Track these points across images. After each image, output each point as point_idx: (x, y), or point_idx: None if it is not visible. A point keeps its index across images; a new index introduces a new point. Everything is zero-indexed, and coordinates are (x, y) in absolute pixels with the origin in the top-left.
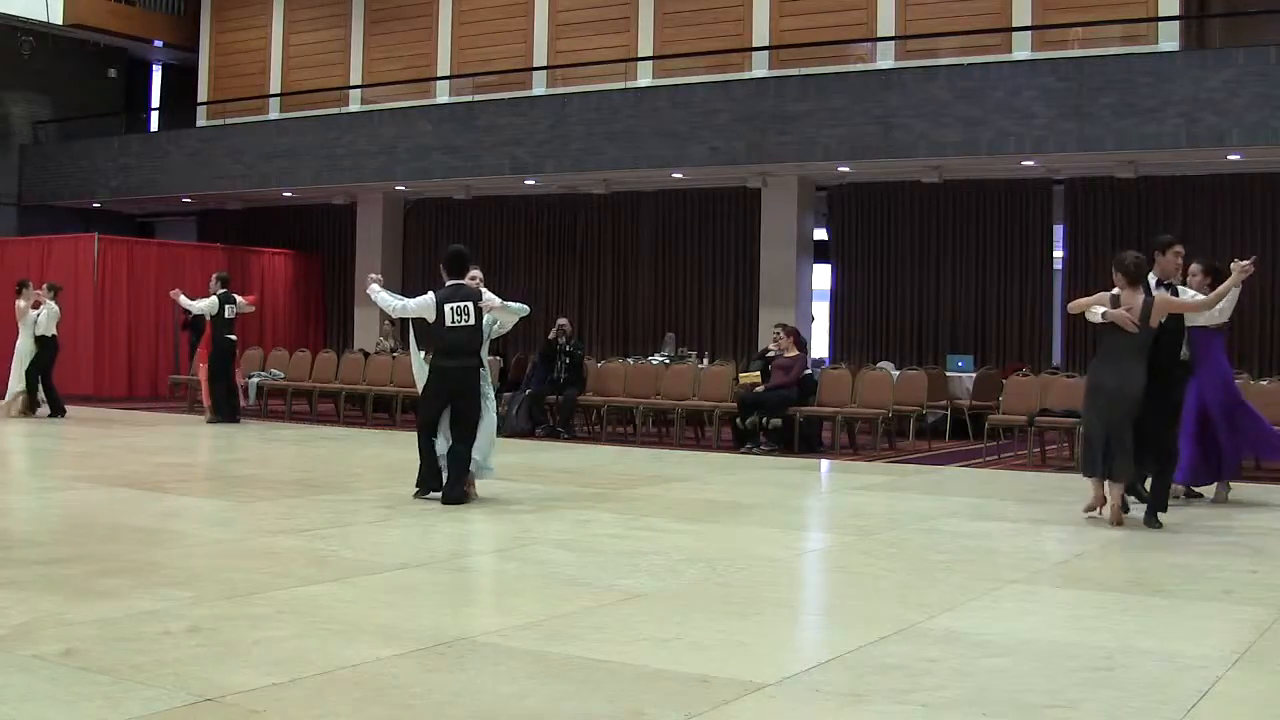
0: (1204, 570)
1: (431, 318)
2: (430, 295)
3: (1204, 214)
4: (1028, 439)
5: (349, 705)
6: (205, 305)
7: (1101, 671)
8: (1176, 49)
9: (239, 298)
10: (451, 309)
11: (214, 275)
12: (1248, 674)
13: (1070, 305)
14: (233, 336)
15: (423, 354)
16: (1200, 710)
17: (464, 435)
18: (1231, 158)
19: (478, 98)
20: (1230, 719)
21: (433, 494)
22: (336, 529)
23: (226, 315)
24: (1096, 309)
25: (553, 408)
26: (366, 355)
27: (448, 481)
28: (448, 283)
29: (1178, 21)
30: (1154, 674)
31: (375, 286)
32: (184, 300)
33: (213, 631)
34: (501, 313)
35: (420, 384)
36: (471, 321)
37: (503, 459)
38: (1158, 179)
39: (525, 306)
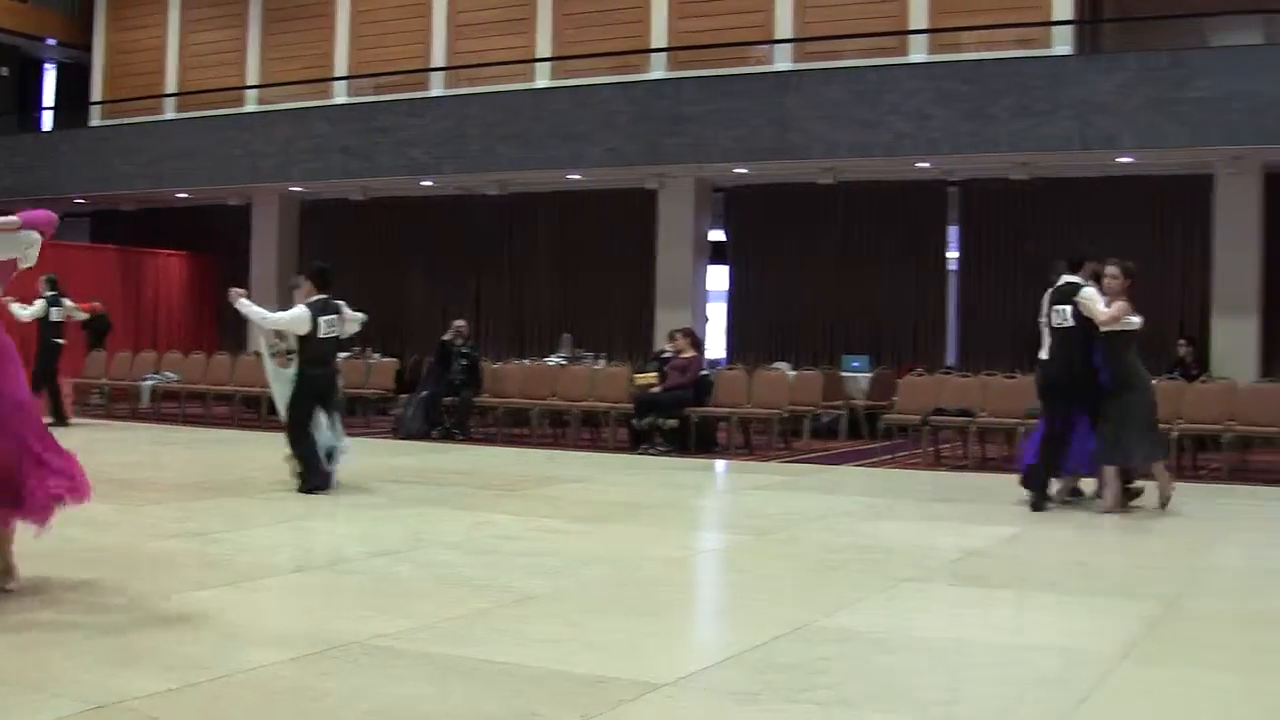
0: (1095, 566)
1: (305, 330)
2: (305, 309)
3: (1096, 215)
4: (922, 438)
5: (245, 710)
6: (33, 311)
7: (995, 667)
8: (1070, 53)
9: (67, 300)
10: (324, 321)
11: (42, 277)
12: (1138, 667)
13: (1108, 318)
14: (60, 340)
15: (275, 360)
16: (1092, 703)
17: (336, 427)
18: (1123, 160)
19: (375, 98)
20: (1121, 712)
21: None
22: (231, 532)
23: (53, 318)
24: (1134, 319)
25: (449, 409)
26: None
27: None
28: (315, 296)
29: (1071, 26)
30: (1047, 669)
31: (243, 300)
32: (15, 307)
33: (106, 638)
34: (352, 323)
35: (278, 391)
36: (337, 332)
37: (399, 461)
38: (1051, 180)
39: (364, 315)
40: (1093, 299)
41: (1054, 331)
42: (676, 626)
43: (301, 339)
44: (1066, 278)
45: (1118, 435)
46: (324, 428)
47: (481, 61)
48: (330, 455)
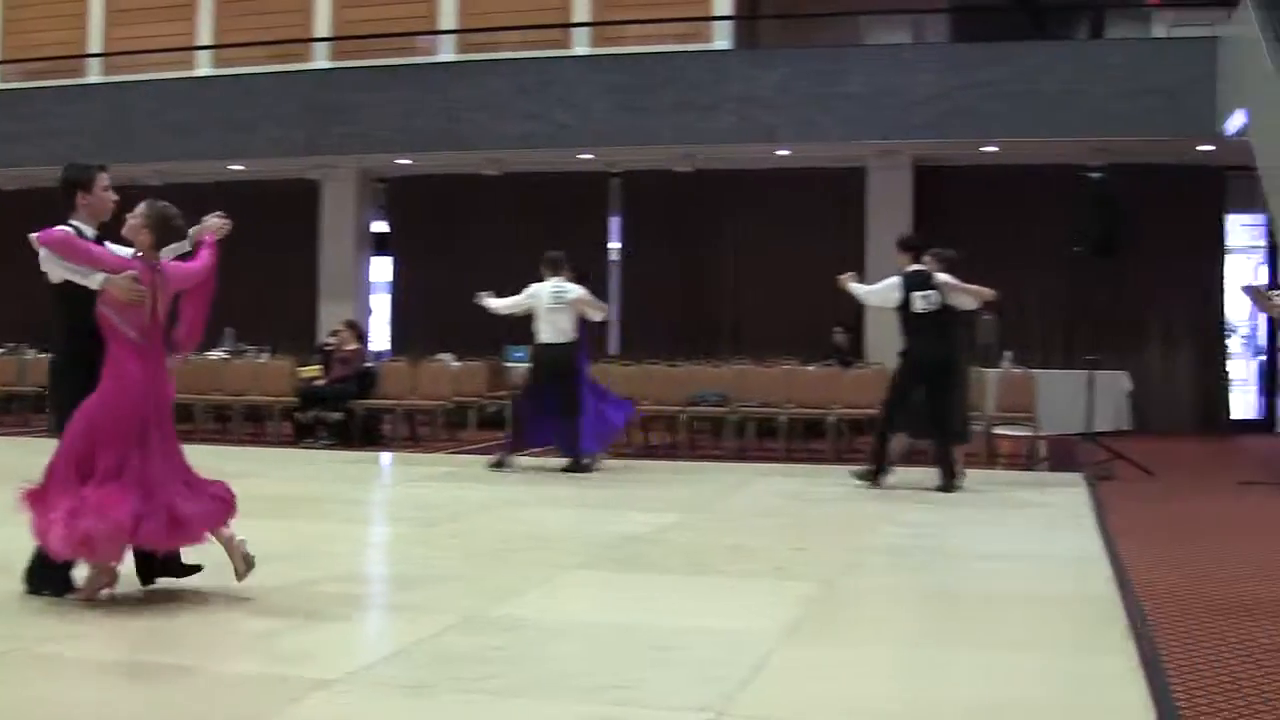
0: (755, 550)
1: None
2: None
3: (757, 206)
4: None
5: None
6: None
7: (662, 651)
8: (730, 48)
9: None
10: None
11: None
12: (798, 646)
13: (986, 296)
14: None
15: None
16: (755, 682)
17: None
18: (781, 153)
19: (29, 85)
20: (782, 688)
21: None
22: None
23: None
24: None
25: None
26: None
27: None
28: None
29: (731, 22)
30: (711, 651)
31: None
32: None
33: None
34: None
35: None
36: None
37: None
38: (714, 172)
39: None
40: (958, 284)
41: (920, 317)
42: (346, 621)
43: None
44: (914, 266)
45: (952, 411)
46: None
47: (141, 49)
48: None
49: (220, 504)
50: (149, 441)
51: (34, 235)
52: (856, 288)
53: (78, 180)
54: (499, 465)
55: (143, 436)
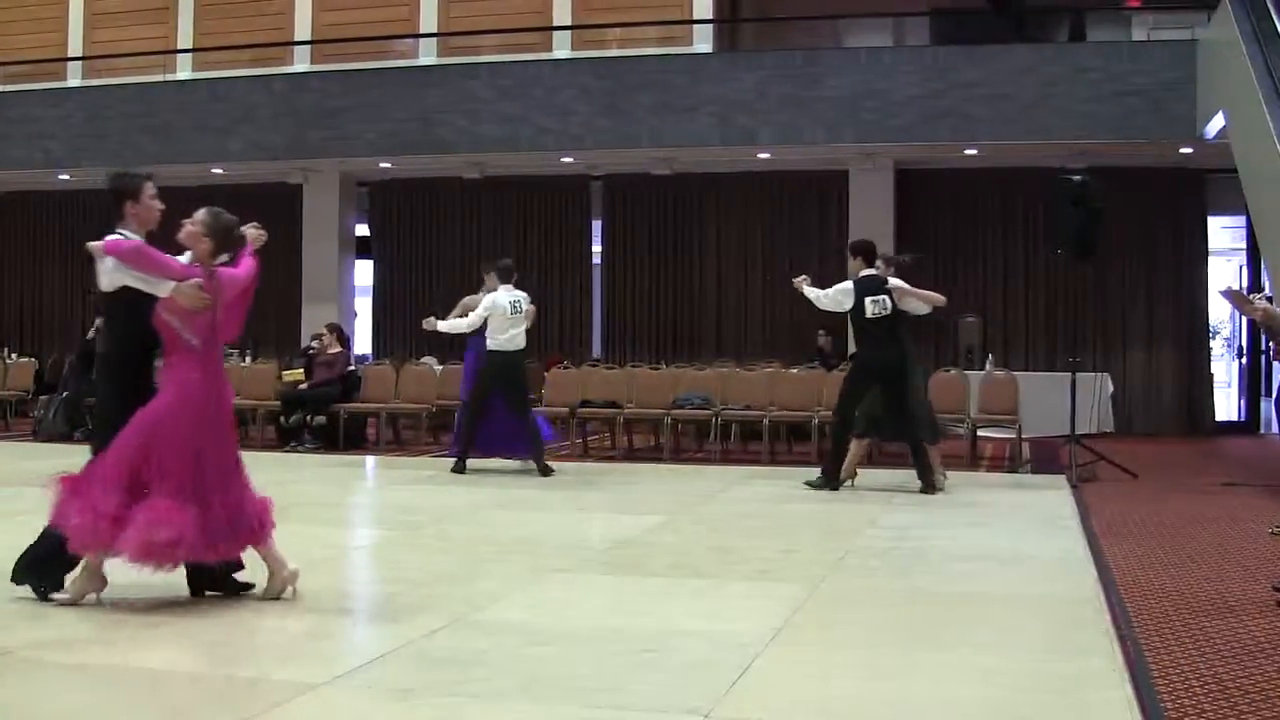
0: (742, 551)
1: None
2: None
3: (738, 209)
4: (570, 430)
5: None
6: None
7: (648, 654)
8: (710, 51)
9: None
10: None
11: None
12: (784, 649)
13: (938, 301)
14: None
15: None
16: (741, 685)
17: None
18: (761, 156)
19: (8, 88)
20: (768, 692)
21: None
22: None
23: None
24: None
25: (91, 410)
26: None
27: None
28: None
29: (711, 25)
30: (698, 653)
31: None
32: None
33: None
34: None
35: None
36: None
37: (39, 464)
38: (693, 175)
39: None
40: (910, 289)
41: (871, 321)
42: (331, 625)
43: None
44: (866, 271)
45: (918, 412)
46: None
47: (120, 52)
48: None
49: (255, 527)
50: (209, 450)
51: (98, 244)
52: (810, 291)
53: (126, 189)
54: (459, 469)
55: (203, 446)
